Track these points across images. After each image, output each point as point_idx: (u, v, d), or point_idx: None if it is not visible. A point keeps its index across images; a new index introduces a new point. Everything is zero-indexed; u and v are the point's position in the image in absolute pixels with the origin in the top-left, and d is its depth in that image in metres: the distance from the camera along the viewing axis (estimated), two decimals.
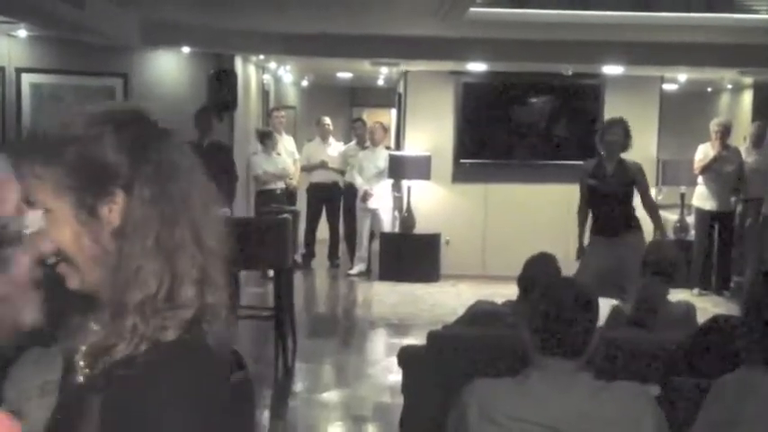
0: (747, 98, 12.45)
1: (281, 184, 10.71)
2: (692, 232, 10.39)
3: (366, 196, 10.96)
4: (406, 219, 10.88)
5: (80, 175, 1.29)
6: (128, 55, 9.48)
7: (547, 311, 2.59)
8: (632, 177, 7.06)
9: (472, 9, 7.51)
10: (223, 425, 1.29)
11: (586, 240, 7.32)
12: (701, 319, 4.23)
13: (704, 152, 10.01)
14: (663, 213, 11.32)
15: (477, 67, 10.74)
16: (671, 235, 10.65)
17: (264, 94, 12.78)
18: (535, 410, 2.55)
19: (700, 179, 10.05)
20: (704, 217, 10.04)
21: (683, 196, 10.62)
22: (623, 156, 7.11)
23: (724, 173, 9.87)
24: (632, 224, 7.06)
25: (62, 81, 9.50)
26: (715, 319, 3.75)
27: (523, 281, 4.55)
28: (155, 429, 1.21)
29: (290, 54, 10.48)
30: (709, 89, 13.70)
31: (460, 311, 5.03)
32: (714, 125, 10.04)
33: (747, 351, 2.69)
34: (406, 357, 4.79)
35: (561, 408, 2.54)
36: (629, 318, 4.62)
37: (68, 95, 9.50)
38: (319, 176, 11.62)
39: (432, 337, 4.52)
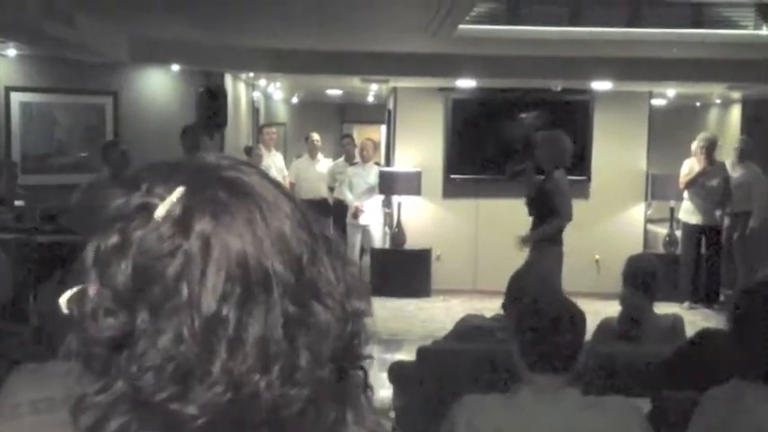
0: (736, 113, 12.49)
1: None
2: None
3: (357, 212, 10.95)
4: (397, 234, 10.88)
5: None
6: (117, 73, 9.48)
7: (534, 327, 2.59)
8: (547, 191, 7.17)
9: (462, 26, 7.54)
10: None
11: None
12: (691, 332, 4.24)
13: (690, 167, 10.06)
14: (653, 227, 11.43)
15: (467, 83, 10.77)
16: (660, 249, 10.70)
17: (254, 111, 12.80)
18: (524, 426, 2.55)
19: (685, 194, 10.09)
20: (691, 231, 10.07)
21: (672, 211, 10.66)
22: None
23: (709, 187, 9.91)
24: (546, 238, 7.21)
25: (51, 99, 9.49)
26: (704, 333, 3.76)
27: (509, 296, 4.55)
28: None
29: (280, 71, 10.49)
30: (698, 104, 13.75)
31: (451, 327, 5.03)
32: (699, 140, 10.09)
33: (736, 364, 2.70)
34: (397, 373, 4.79)
35: (550, 423, 2.54)
36: (617, 332, 4.63)
37: (58, 114, 9.51)
38: (308, 192, 11.60)
39: (422, 352, 4.52)
